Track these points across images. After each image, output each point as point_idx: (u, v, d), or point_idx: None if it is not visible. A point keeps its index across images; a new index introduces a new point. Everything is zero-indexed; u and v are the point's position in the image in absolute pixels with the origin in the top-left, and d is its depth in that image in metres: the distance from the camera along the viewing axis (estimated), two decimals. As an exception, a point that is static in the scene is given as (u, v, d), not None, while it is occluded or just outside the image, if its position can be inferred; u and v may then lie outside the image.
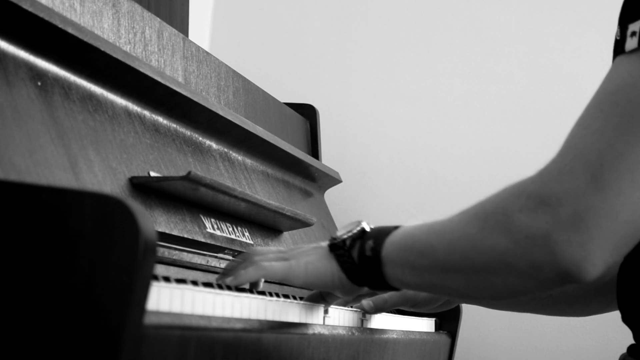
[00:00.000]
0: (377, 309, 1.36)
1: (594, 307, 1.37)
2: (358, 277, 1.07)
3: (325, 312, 1.21)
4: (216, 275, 1.28)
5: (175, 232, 1.21)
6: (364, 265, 1.05)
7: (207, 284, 0.99)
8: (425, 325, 1.75)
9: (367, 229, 1.08)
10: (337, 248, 1.08)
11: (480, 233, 0.90)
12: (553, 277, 0.86)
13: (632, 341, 1.08)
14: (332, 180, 2.04)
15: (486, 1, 2.41)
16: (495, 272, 0.90)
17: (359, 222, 1.09)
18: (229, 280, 1.10)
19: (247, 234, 1.44)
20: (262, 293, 1.12)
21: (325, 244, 1.11)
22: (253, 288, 1.15)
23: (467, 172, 2.39)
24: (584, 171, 0.85)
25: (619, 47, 0.91)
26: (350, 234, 1.08)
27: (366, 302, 1.35)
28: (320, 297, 1.22)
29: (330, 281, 1.09)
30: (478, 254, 0.91)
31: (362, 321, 1.36)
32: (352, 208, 2.43)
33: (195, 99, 1.36)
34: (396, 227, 1.04)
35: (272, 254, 1.13)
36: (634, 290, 1.03)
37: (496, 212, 0.89)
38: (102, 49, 1.13)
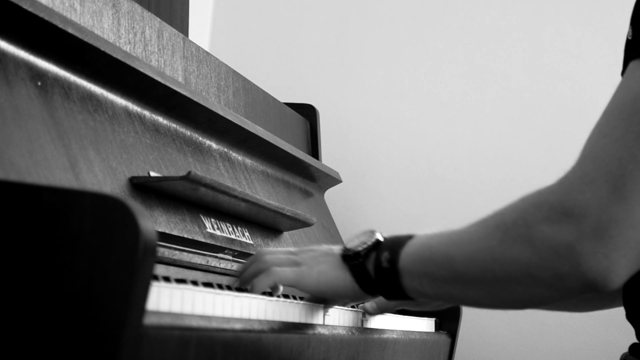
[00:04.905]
0: (381, 310, 1.35)
1: (597, 302, 1.37)
2: (373, 288, 1.06)
3: (325, 311, 1.21)
4: (216, 275, 1.29)
5: (175, 232, 1.21)
6: (381, 277, 1.05)
7: (207, 284, 0.99)
8: (425, 325, 1.75)
9: (381, 239, 1.07)
10: (351, 259, 1.08)
11: (502, 245, 0.90)
12: (577, 287, 0.86)
13: (633, 341, 1.08)
14: (332, 180, 2.04)
15: (486, 1, 2.41)
16: (518, 283, 0.90)
17: (373, 232, 1.08)
18: (249, 289, 1.09)
19: (247, 234, 1.44)
20: (262, 293, 1.12)
21: (337, 251, 1.10)
22: (273, 293, 1.15)
23: (467, 172, 2.39)
24: (605, 181, 0.84)
25: (633, 50, 0.91)
26: (364, 245, 1.07)
27: (369, 304, 1.34)
28: (320, 298, 1.22)
29: (342, 291, 1.09)
30: (500, 266, 0.90)
31: (362, 321, 1.36)
32: (352, 208, 2.43)
33: (195, 99, 1.36)
34: (410, 237, 1.04)
35: (283, 255, 1.13)
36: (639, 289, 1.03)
37: (517, 224, 0.89)
38: (102, 49, 1.13)
